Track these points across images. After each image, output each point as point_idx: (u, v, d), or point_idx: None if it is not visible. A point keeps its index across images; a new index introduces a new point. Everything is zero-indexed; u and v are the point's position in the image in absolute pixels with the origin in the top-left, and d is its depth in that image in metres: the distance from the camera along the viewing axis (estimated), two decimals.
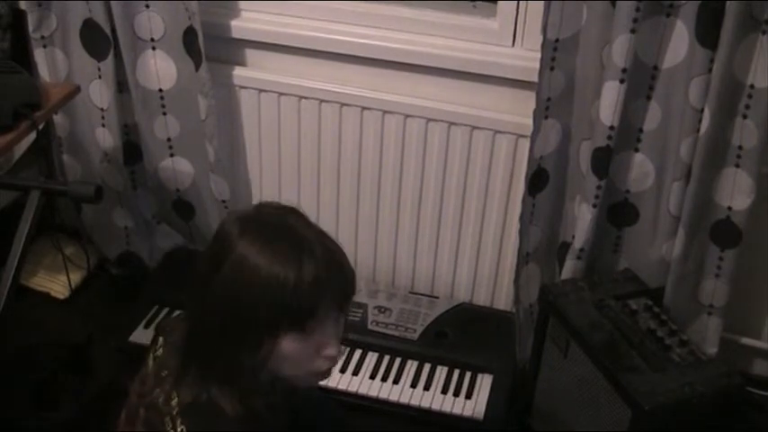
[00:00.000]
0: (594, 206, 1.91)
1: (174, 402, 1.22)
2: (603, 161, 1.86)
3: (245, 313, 1.15)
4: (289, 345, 1.18)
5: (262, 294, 1.14)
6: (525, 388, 2.03)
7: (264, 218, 1.22)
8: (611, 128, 1.81)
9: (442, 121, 2.09)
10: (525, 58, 1.97)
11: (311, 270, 1.15)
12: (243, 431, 1.20)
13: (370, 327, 2.15)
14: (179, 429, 1.20)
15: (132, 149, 2.31)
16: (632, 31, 1.71)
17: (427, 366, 2.08)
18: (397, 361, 2.09)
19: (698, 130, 1.74)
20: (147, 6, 2.07)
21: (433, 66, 2.05)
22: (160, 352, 1.32)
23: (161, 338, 1.34)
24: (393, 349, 2.11)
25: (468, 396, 2.00)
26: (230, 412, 1.19)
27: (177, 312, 2.10)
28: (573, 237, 1.99)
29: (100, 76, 2.17)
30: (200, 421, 1.19)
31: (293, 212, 1.24)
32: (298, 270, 1.14)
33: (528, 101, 1.92)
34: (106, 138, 2.25)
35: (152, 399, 1.26)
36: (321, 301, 1.17)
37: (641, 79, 1.80)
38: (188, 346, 1.24)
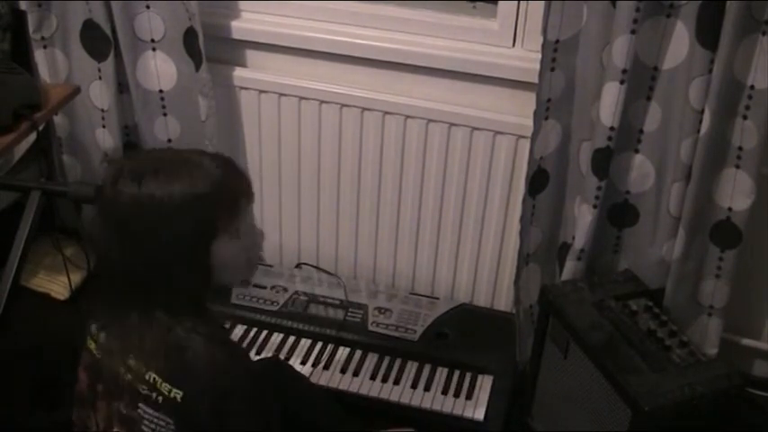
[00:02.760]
0: (595, 207, 1.91)
1: (130, 357, 1.25)
2: (604, 162, 1.86)
3: (178, 242, 1.21)
4: (225, 248, 1.26)
5: (184, 217, 1.20)
6: (525, 389, 2.03)
7: (141, 160, 1.25)
8: (612, 129, 1.81)
9: (442, 121, 2.09)
10: (525, 59, 1.98)
11: (215, 176, 1.23)
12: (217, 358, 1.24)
13: (370, 328, 2.15)
14: (148, 376, 1.23)
15: (132, 150, 2.31)
16: (632, 31, 1.71)
17: (427, 367, 2.08)
18: (398, 362, 2.09)
19: (698, 131, 1.74)
20: (148, 7, 2.07)
21: (434, 67, 2.06)
22: (101, 337, 1.33)
23: (93, 326, 1.36)
24: (393, 350, 2.10)
25: (469, 397, 2.00)
26: (198, 343, 1.23)
27: None
28: (573, 237, 1.99)
29: (100, 77, 2.17)
30: (169, 361, 1.23)
31: (155, 148, 1.36)
32: (205, 181, 1.22)
33: (528, 102, 1.93)
34: (106, 138, 2.25)
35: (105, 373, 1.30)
36: (236, 200, 1.27)
37: (641, 80, 1.80)
38: (127, 298, 1.26)
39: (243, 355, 1.34)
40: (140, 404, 1.25)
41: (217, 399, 1.21)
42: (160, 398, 1.23)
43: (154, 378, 1.23)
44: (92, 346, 1.34)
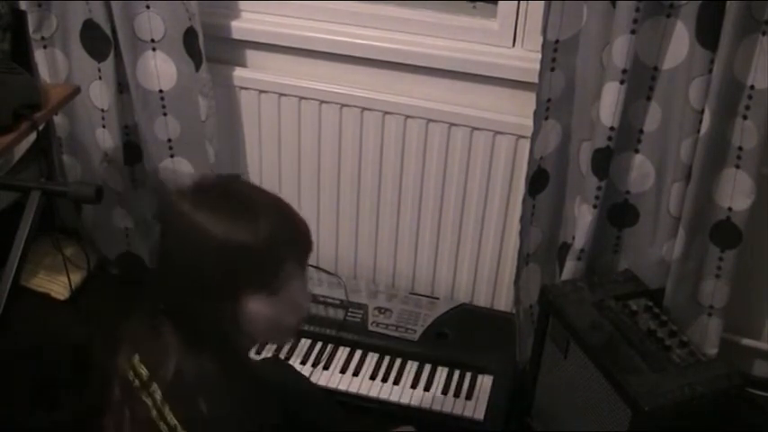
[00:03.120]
0: (595, 207, 1.91)
1: (155, 388, 1.21)
2: (604, 162, 1.86)
3: (202, 281, 1.16)
4: (258, 306, 1.18)
5: (217, 260, 1.14)
6: (525, 388, 2.03)
7: (212, 189, 1.21)
8: (612, 129, 1.81)
9: (442, 121, 2.09)
10: (525, 59, 1.98)
11: (266, 231, 1.15)
12: (229, 410, 1.19)
13: (370, 328, 2.15)
14: (170, 419, 1.19)
15: (132, 150, 2.31)
16: (632, 31, 1.71)
17: (427, 367, 2.08)
18: (398, 362, 2.09)
19: (698, 131, 1.74)
20: (148, 7, 2.07)
21: (434, 66, 2.05)
22: (136, 360, 1.27)
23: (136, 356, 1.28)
24: (393, 350, 2.10)
25: (469, 397, 2.00)
26: (214, 384, 1.18)
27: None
28: (573, 237, 1.99)
29: (100, 77, 2.17)
30: (187, 403, 1.18)
31: (238, 179, 1.26)
32: (253, 233, 1.14)
33: (528, 102, 1.92)
34: (106, 138, 2.25)
35: (136, 394, 1.25)
36: (283, 261, 1.18)
37: (641, 80, 1.80)
38: (162, 320, 1.22)
39: (269, 401, 1.25)
40: None
41: None
42: None
43: (176, 424, 1.18)
44: (126, 366, 1.27)
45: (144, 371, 1.24)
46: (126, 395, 1.27)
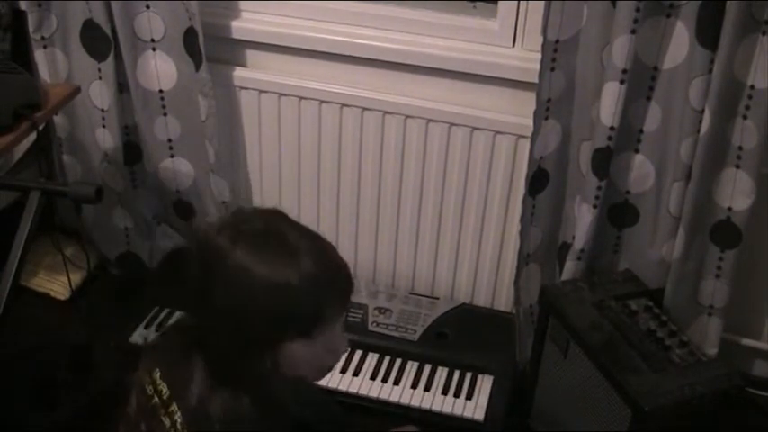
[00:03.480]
0: (595, 207, 1.91)
1: (174, 408, 1.18)
2: (604, 162, 1.86)
3: (249, 325, 1.12)
4: (298, 350, 1.16)
5: (264, 306, 1.11)
6: (525, 389, 2.03)
7: (252, 225, 1.17)
8: (612, 128, 1.81)
9: (442, 121, 2.09)
10: (525, 59, 1.98)
11: (309, 275, 1.12)
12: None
13: (370, 328, 2.15)
14: None
15: (132, 150, 2.31)
16: (632, 31, 1.71)
17: (428, 367, 2.08)
18: (398, 362, 2.09)
19: (698, 131, 1.74)
20: (148, 7, 2.07)
21: (434, 66, 2.05)
22: (157, 375, 1.24)
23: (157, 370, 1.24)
24: (393, 350, 2.11)
25: (469, 397, 2.00)
26: (242, 414, 1.14)
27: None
28: (573, 237, 1.99)
29: (100, 77, 2.17)
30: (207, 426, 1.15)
31: (277, 215, 1.20)
32: (296, 277, 1.11)
33: (528, 101, 1.92)
34: (106, 138, 2.25)
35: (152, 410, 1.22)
36: (324, 305, 1.15)
37: (641, 80, 1.80)
38: (192, 360, 1.18)
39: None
40: None
41: None
42: None
43: None
44: (146, 380, 1.24)
45: (165, 389, 1.20)
46: (143, 410, 1.24)
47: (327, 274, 1.15)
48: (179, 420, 1.16)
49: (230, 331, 1.13)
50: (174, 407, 1.18)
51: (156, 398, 1.20)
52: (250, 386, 1.15)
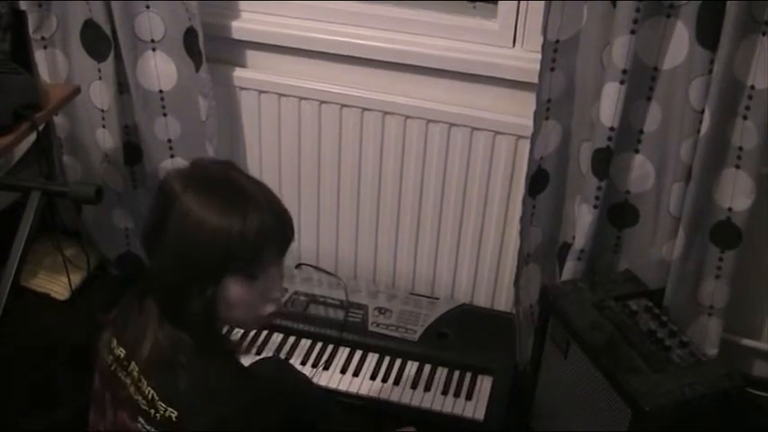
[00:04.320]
0: (595, 207, 1.91)
1: (133, 366, 1.27)
2: (604, 162, 1.86)
3: (192, 262, 1.21)
4: (236, 290, 1.23)
5: (208, 245, 1.19)
6: (525, 389, 2.03)
7: (205, 172, 1.26)
8: (612, 129, 1.81)
9: (442, 122, 2.09)
10: (525, 59, 1.98)
11: (255, 220, 1.20)
12: (204, 385, 1.23)
13: (370, 328, 2.15)
14: (147, 392, 1.24)
15: (132, 150, 2.31)
16: (632, 32, 1.71)
17: (428, 367, 2.08)
18: (398, 362, 2.09)
19: (698, 131, 1.74)
20: (148, 7, 2.07)
21: (434, 67, 2.06)
22: (114, 344, 1.33)
23: (107, 331, 1.35)
24: (393, 350, 2.10)
25: (469, 397, 2.00)
26: (188, 356, 1.23)
27: None
28: (573, 237, 1.99)
29: (100, 77, 2.17)
30: (163, 374, 1.23)
31: (231, 166, 1.29)
32: (242, 220, 1.19)
33: (528, 102, 1.93)
34: (106, 139, 2.25)
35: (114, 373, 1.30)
36: (265, 248, 1.23)
37: (641, 80, 1.80)
38: (144, 293, 1.28)
39: (245, 384, 1.30)
40: (140, 417, 1.25)
41: (211, 424, 1.20)
42: (157, 415, 1.22)
43: (152, 395, 1.23)
44: (105, 352, 1.34)
45: (122, 352, 1.29)
46: (105, 380, 1.33)
47: (273, 221, 1.23)
48: (136, 374, 1.26)
49: (176, 267, 1.22)
50: (132, 364, 1.26)
51: (115, 363, 1.30)
52: (193, 324, 1.23)
